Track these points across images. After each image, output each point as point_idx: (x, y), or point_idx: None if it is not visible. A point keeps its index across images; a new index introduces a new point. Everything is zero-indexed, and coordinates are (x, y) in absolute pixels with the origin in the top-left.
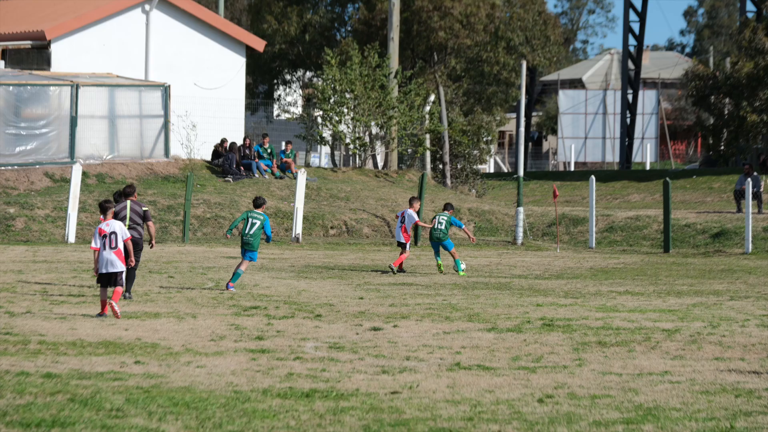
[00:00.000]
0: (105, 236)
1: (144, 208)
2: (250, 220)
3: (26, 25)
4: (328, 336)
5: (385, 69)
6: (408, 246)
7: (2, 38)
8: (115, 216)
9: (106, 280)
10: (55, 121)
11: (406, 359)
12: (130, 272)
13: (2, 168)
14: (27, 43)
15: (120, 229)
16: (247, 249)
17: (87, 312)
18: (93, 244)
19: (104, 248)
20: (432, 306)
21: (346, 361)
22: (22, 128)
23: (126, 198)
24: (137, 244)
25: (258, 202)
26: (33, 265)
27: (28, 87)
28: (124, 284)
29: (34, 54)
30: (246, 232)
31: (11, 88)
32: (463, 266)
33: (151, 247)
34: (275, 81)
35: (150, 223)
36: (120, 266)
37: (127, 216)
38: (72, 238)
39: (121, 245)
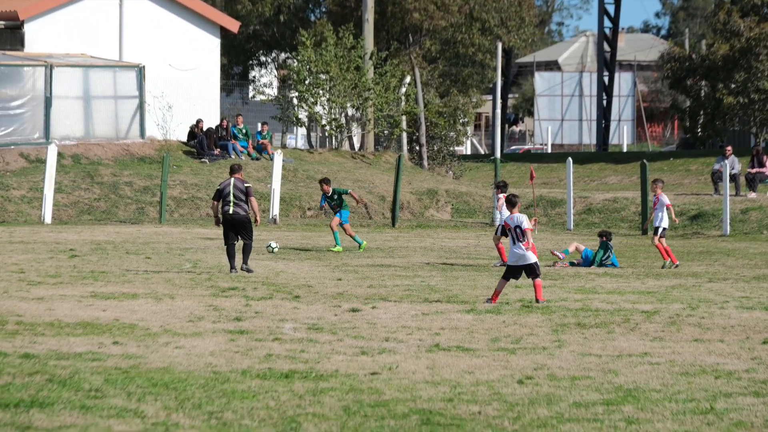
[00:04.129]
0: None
1: (247, 185)
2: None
3: None
4: (307, 317)
5: (360, 50)
6: None
7: None
8: (220, 193)
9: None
10: (30, 102)
11: (385, 340)
12: (245, 246)
13: None
14: (0, 24)
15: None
16: None
17: (64, 293)
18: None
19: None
20: (410, 287)
21: (325, 342)
22: None
23: (232, 175)
24: (244, 220)
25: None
26: (9, 246)
27: (2, 68)
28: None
29: (7, 34)
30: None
31: None
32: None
33: (256, 224)
34: (250, 62)
35: (252, 199)
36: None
37: (231, 192)
38: (48, 219)
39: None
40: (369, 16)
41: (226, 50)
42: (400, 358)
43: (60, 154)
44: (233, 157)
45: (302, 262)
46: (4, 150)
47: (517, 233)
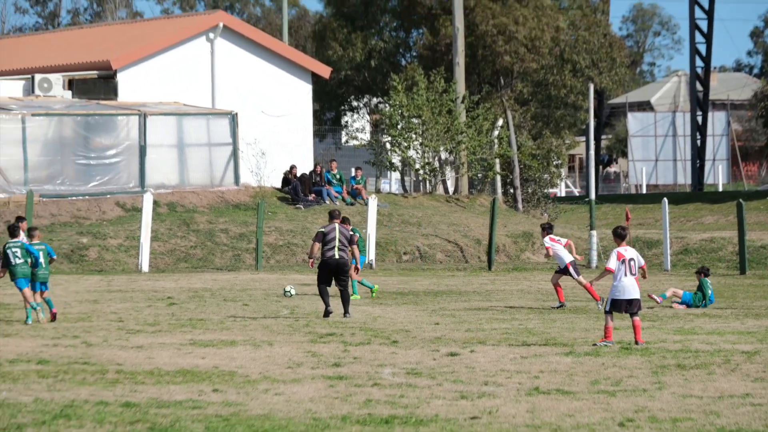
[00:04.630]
0: None
1: (351, 233)
2: None
3: (92, 54)
4: (405, 362)
5: (451, 94)
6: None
7: (69, 68)
8: (324, 236)
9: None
10: (125, 151)
11: (485, 384)
12: (344, 293)
13: (74, 198)
14: (93, 73)
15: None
16: None
17: (163, 341)
18: None
19: None
20: (508, 331)
21: (424, 386)
22: (92, 158)
23: (333, 220)
24: (345, 265)
25: None
26: (108, 295)
27: (96, 117)
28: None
29: (101, 84)
30: None
31: (79, 118)
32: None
33: (357, 272)
34: (342, 107)
35: (355, 247)
36: None
37: (336, 237)
38: (146, 267)
39: None
40: (460, 59)
41: (318, 96)
42: (499, 402)
43: (155, 203)
44: (328, 202)
45: (399, 307)
46: (101, 199)
47: (630, 266)
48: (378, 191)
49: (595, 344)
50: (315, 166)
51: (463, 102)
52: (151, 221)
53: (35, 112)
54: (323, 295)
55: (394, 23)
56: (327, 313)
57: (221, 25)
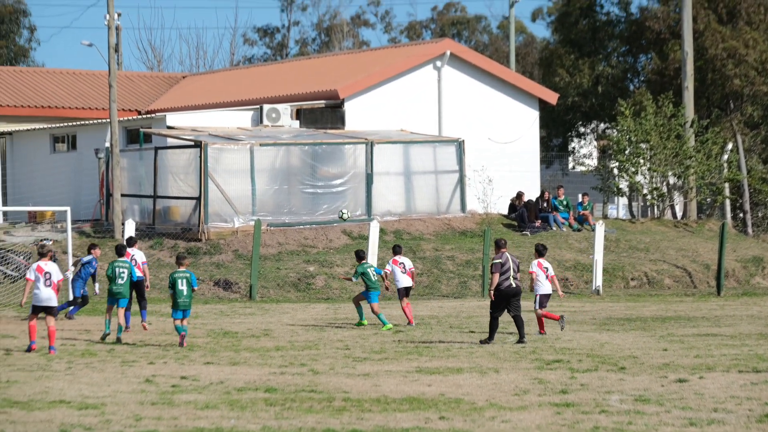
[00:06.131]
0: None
1: (516, 259)
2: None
3: (319, 84)
4: (633, 388)
5: (680, 118)
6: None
7: (296, 98)
8: (501, 266)
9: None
10: (351, 179)
11: (714, 411)
12: (518, 319)
13: (301, 227)
14: (321, 103)
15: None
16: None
17: (389, 368)
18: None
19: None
20: (738, 357)
21: (653, 413)
22: (319, 187)
23: (501, 249)
24: (520, 292)
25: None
26: (334, 323)
27: (324, 146)
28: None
29: (329, 113)
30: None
31: (306, 147)
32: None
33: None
34: (569, 133)
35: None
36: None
37: (511, 266)
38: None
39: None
40: (689, 83)
41: (545, 122)
42: (729, 429)
43: (382, 230)
44: (554, 229)
45: (626, 333)
46: (327, 228)
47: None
48: (605, 217)
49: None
50: (542, 192)
51: (691, 126)
52: (378, 249)
53: (263, 141)
54: (492, 327)
55: (622, 49)
56: (487, 341)
57: (448, 53)
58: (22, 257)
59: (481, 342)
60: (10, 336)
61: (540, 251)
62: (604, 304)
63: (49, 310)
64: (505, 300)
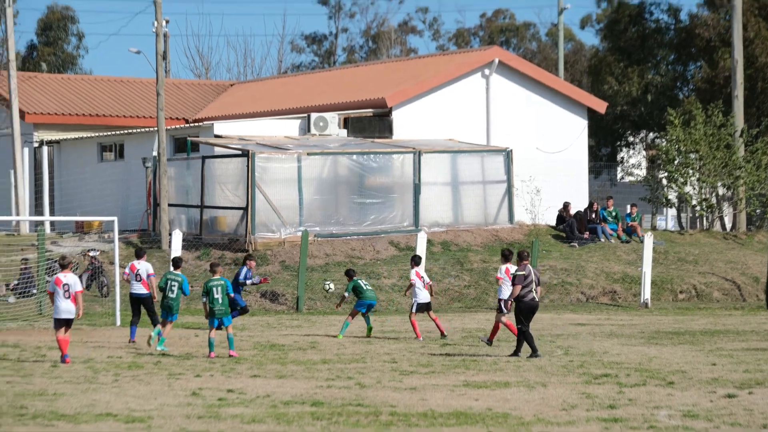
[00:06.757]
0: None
1: (539, 274)
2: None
3: (367, 92)
4: (682, 403)
5: (730, 128)
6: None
7: (344, 107)
8: (524, 278)
9: None
10: (398, 189)
11: (763, 427)
12: (528, 334)
13: (348, 237)
14: (368, 111)
15: None
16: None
17: (436, 382)
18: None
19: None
20: None
21: (701, 429)
22: (366, 197)
23: (523, 261)
24: (536, 307)
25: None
26: (382, 335)
27: (371, 155)
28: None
29: (376, 122)
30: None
31: (354, 156)
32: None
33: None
34: (618, 143)
35: (540, 288)
36: None
37: (533, 279)
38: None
39: None
40: (739, 92)
41: (593, 131)
42: None
43: (429, 241)
44: (602, 240)
45: (675, 347)
46: (375, 238)
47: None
48: (654, 228)
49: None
50: (590, 203)
51: (741, 136)
52: (425, 260)
53: (311, 151)
54: (530, 338)
55: (671, 56)
56: (534, 355)
57: (497, 60)
58: None
59: (528, 357)
60: (55, 348)
61: (506, 256)
62: (653, 318)
63: (67, 322)
64: (529, 312)
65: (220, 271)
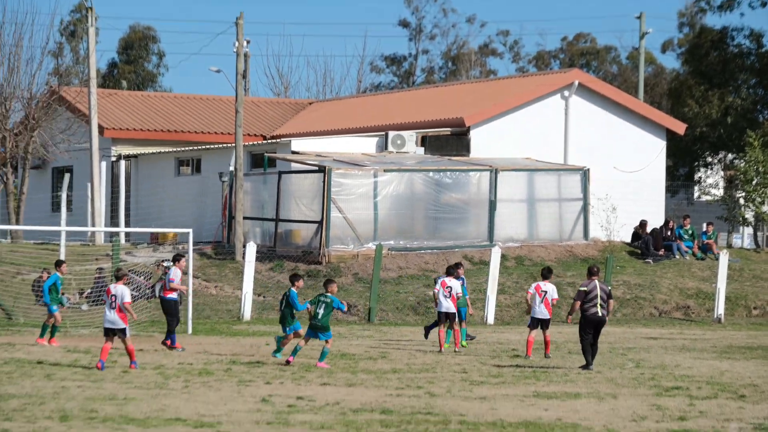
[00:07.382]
0: None
1: (609, 288)
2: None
3: (445, 112)
4: (753, 417)
5: None
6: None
7: (422, 126)
8: (586, 294)
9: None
10: (474, 205)
11: None
12: (594, 347)
13: (422, 251)
14: (446, 130)
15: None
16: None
17: (506, 392)
18: None
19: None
20: None
21: None
22: (441, 212)
23: (592, 277)
24: (605, 322)
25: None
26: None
27: (447, 172)
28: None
29: (454, 140)
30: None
31: (431, 173)
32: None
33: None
34: (696, 163)
35: (612, 301)
36: None
37: (598, 294)
38: (491, 319)
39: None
40: None
41: (671, 152)
42: None
43: (503, 256)
44: (677, 257)
45: (747, 361)
46: (448, 253)
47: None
48: (729, 246)
49: None
50: (667, 221)
51: None
52: (499, 274)
53: (387, 167)
54: (585, 351)
55: (752, 81)
56: (586, 367)
57: (576, 82)
58: (142, 277)
59: (581, 368)
60: (125, 354)
61: (544, 275)
62: (726, 332)
63: (114, 332)
64: (594, 326)
65: (332, 288)
